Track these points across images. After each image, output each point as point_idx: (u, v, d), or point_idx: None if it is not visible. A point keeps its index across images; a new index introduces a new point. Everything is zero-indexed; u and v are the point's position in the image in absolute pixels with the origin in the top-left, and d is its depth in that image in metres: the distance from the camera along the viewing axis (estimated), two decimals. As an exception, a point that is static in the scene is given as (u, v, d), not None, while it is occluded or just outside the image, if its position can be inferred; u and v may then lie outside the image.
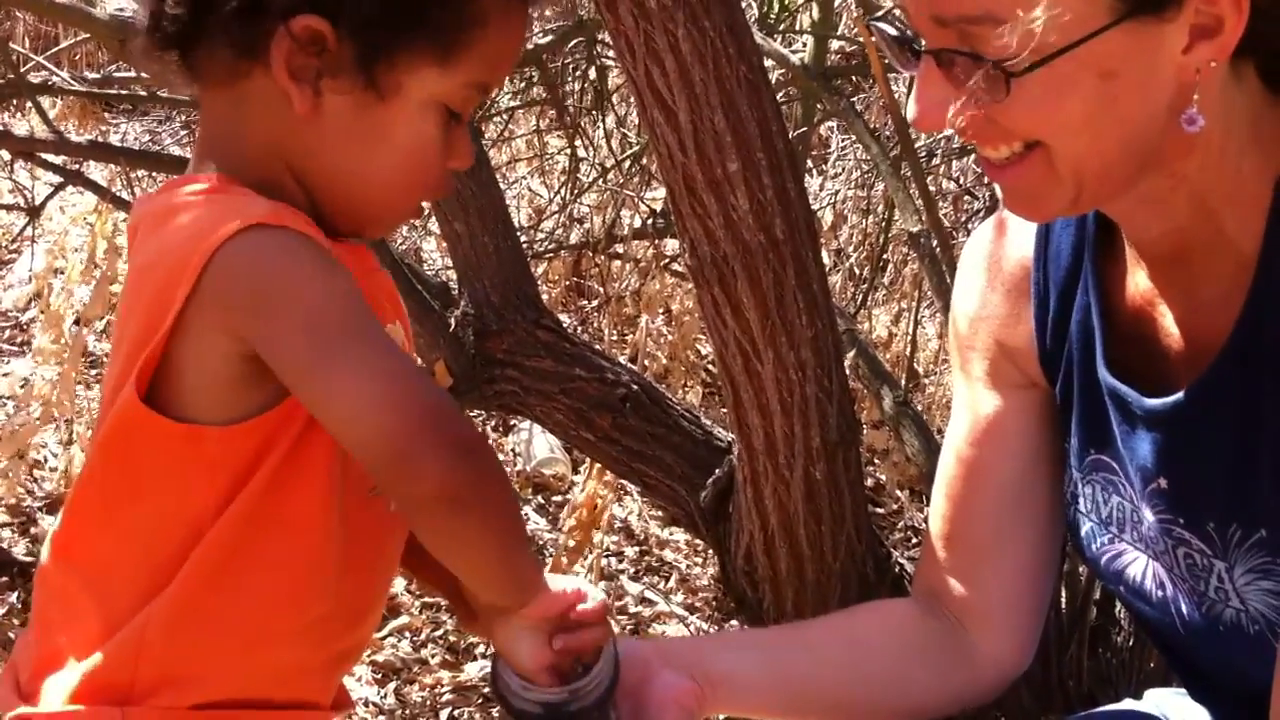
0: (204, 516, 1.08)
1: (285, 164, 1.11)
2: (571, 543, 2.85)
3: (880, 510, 3.35)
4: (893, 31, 1.11)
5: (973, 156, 2.99)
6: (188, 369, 1.05)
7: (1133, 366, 1.21)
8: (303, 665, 1.15)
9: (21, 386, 3.43)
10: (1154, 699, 1.41)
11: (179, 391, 1.06)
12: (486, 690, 2.61)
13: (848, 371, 2.24)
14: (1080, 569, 2.10)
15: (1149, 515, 1.21)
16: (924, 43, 1.08)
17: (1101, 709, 1.44)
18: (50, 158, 2.85)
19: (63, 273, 4.08)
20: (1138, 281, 1.21)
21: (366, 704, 2.63)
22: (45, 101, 3.34)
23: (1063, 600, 2.11)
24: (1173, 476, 1.18)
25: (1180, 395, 1.15)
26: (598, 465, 2.53)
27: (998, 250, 1.33)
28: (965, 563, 1.37)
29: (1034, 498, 1.34)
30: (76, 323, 3.85)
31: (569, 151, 4.01)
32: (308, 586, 1.12)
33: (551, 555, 2.87)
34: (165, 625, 1.08)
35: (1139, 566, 1.25)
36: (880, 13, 1.11)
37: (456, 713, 2.65)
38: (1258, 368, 1.09)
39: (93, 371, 3.80)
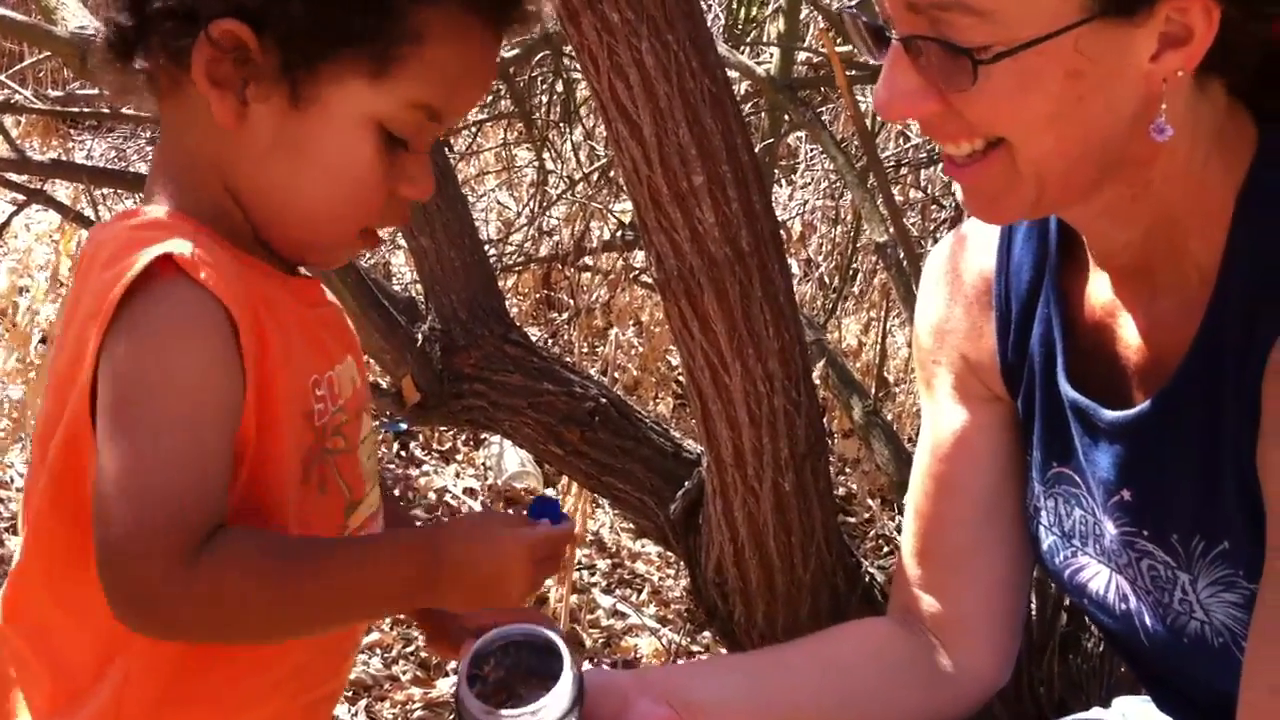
0: None
1: (220, 180, 1.09)
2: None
3: (852, 519, 3.36)
4: (865, 18, 1.10)
5: (940, 166, 3.01)
6: None
7: (1093, 379, 1.21)
8: (280, 715, 1.13)
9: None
10: (1121, 707, 1.41)
11: None
12: (459, 706, 2.60)
13: (817, 381, 2.23)
14: (1050, 576, 2.10)
15: (1111, 528, 1.21)
16: (894, 30, 1.07)
17: (1069, 718, 1.44)
18: (13, 176, 2.83)
19: (28, 291, 4.06)
20: (1099, 294, 1.22)
21: (338, 722, 2.61)
22: (8, 119, 3.31)
23: (1033, 607, 2.11)
24: (1136, 488, 1.18)
25: (1143, 407, 1.15)
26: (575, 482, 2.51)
27: (959, 263, 1.33)
28: (939, 578, 1.37)
29: (1004, 511, 1.34)
30: (43, 340, 3.82)
31: (537, 164, 4.01)
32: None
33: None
34: (142, 701, 1.05)
35: (1101, 580, 1.25)
36: (855, 1, 1.09)
37: (429, 729, 2.64)
38: (1219, 379, 1.10)
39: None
